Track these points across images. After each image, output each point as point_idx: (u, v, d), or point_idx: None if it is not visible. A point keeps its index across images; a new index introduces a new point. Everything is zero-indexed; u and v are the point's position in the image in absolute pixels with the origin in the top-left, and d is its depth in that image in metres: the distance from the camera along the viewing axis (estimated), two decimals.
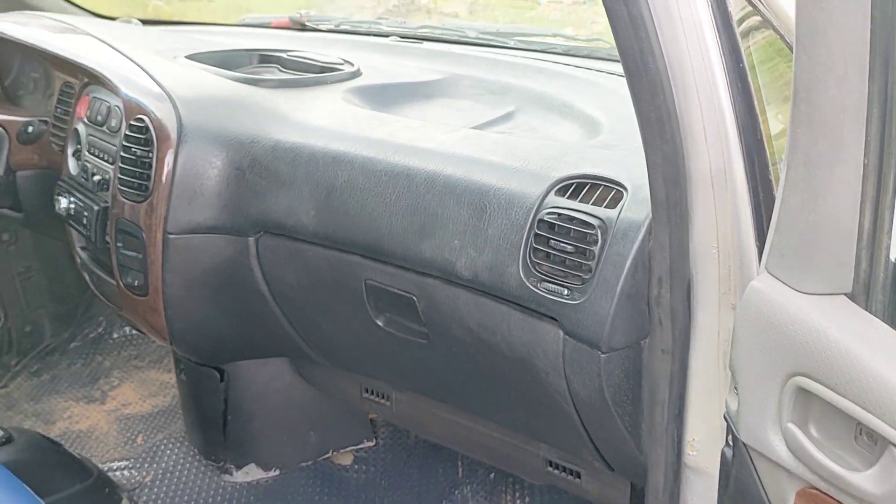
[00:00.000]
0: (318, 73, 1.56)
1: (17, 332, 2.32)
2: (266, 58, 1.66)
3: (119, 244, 1.36)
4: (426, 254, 1.10)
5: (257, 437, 1.70)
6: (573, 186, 0.98)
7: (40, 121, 1.67)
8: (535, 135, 1.26)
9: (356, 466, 1.76)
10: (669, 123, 0.78)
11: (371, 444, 1.79)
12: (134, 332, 2.39)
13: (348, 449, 1.78)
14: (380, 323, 1.24)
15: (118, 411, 2.09)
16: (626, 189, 0.94)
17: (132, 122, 1.32)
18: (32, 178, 1.68)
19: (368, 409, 1.60)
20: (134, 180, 1.31)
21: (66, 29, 1.70)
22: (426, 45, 1.83)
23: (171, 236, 1.31)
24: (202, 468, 1.79)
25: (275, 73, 1.61)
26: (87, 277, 1.60)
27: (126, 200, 1.33)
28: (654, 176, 0.81)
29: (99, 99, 1.46)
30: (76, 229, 1.48)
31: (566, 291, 0.95)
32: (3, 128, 1.66)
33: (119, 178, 1.34)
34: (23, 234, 2.27)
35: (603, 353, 0.92)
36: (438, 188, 1.09)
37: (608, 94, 1.27)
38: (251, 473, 1.72)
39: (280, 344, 1.50)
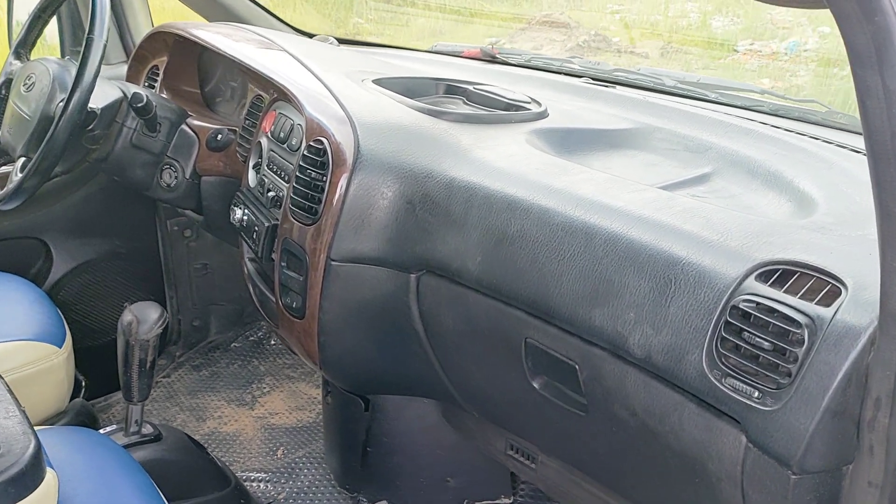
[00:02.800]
0: (503, 110, 1.50)
1: (186, 325, 2.42)
2: (452, 88, 1.62)
3: (283, 263, 1.36)
4: (596, 322, 1.00)
5: (394, 474, 1.65)
6: (778, 273, 0.85)
7: (229, 130, 1.71)
8: (733, 203, 1.12)
9: None
10: None
11: (508, 500, 1.69)
12: None
13: (484, 502, 1.69)
14: (535, 385, 1.15)
15: (265, 419, 2.11)
16: (844, 286, 0.80)
17: (311, 143, 1.30)
18: (215, 184, 1.73)
19: (512, 467, 1.51)
20: (305, 202, 1.29)
21: (265, 44, 1.74)
22: (619, 89, 1.73)
23: (333, 263, 1.28)
24: (335, 494, 1.76)
25: (458, 106, 1.56)
26: (250, 288, 1.62)
27: (295, 221, 1.32)
28: (890, 281, 0.68)
29: (284, 115, 1.46)
30: (246, 241, 1.49)
31: (757, 394, 0.82)
32: (196, 133, 1.72)
33: (291, 197, 1.33)
34: (204, 233, 2.37)
35: (794, 473, 0.79)
36: (619, 253, 0.98)
37: (826, 167, 1.12)
38: None
39: (428, 385, 1.44)
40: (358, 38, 2.39)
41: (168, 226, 2.33)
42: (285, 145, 1.42)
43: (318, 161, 1.29)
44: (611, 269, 0.98)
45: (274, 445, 1.98)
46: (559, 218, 1.07)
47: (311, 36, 2.30)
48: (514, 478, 1.71)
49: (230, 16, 2.23)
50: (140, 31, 2.16)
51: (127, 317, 1.47)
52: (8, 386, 1.13)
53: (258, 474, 1.85)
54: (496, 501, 1.69)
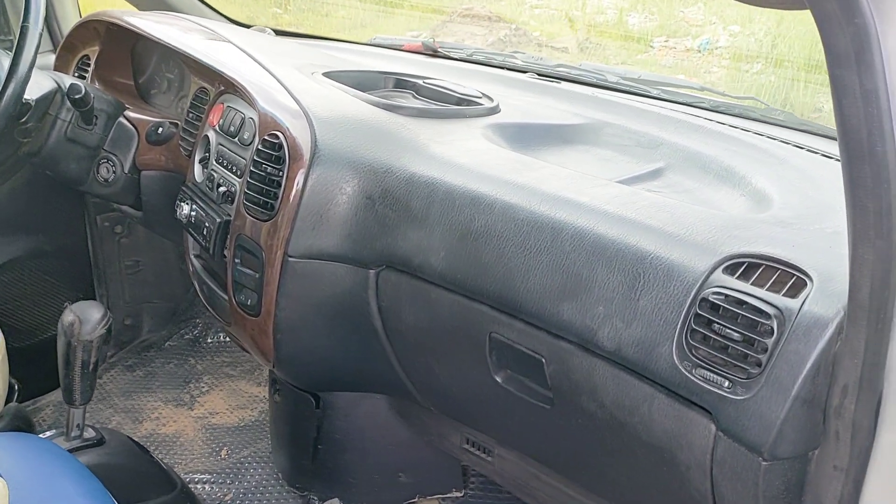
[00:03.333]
0: (454, 105, 1.50)
1: (117, 324, 2.34)
2: (401, 83, 1.61)
3: (236, 260, 1.33)
4: (565, 316, 1.01)
5: (346, 471, 1.64)
6: (744, 266, 0.88)
7: (171, 123, 1.66)
8: (689, 197, 1.16)
9: None
10: (889, 217, 0.67)
11: (459, 494, 1.70)
12: (227, 339, 2.38)
13: (436, 496, 1.69)
14: (498, 379, 1.16)
15: (205, 419, 2.06)
16: (809, 278, 0.83)
17: (266, 138, 1.28)
18: (156, 179, 1.68)
19: (467, 461, 1.51)
20: (260, 197, 1.27)
21: (208, 34, 1.70)
22: (564, 85, 1.75)
23: (290, 259, 1.26)
24: (284, 493, 1.73)
25: (409, 100, 1.55)
26: (196, 286, 1.58)
27: (249, 216, 1.29)
28: (859, 273, 0.71)
29: (233, 109, 1.43)
30: (195, 237, 1.45)
31: (727, 384, 0.84)
32: (135, 126, 1.66)
33: (245, 192, 1.30)
34: (136, 228, 2.30)
35: (765, 460, 0.82)
36: (587, 248, 1.00)
37: (778, 163, 1.16)
38: None
39: (384, 381, 1.43)
40: (291, 28, 2.35)
41: (98, 222, 2.24)
42: (236, 139, 1.38)
43: (274, 156, 1.26)
44: (579, 263, 1.00)
45: (217, 446, 1.93)
46: (525, 214, 1.07)
47: (247, 27, 2.25)
48: (464, 472, 1.72)
49: (162, 4, 2.16)
50: (68, 19, 2.07)
51: (68, 317, 1.41)
52: None
53: (203, 476, 1.81)
54: (448, 495, 1.70)
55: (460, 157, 1.23)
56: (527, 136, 1.38)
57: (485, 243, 1.10)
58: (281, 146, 1.25)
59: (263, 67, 1.46)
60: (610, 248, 0.98)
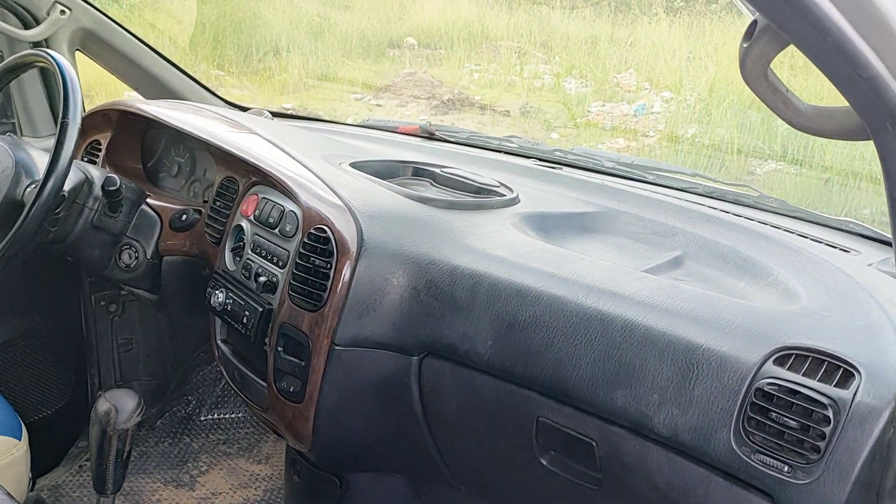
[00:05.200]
0: (474, 193, 1.58)
1: None
2: (419, 171, 1.69)
3: (279, 348, 1.37)
4: (618, 403, 1.09)
5: None
6: (793, 357, 0.97)
7: (194, 210, 1.70)
8: (711, 287, 1.25)
9: None
10: None
11: None
12: (223, 416, 2.39)
13: None
14: (544, 461, 1.22)
15: (208, 500, 2.06)
16: (856, 369, 0.93)
17: (312, 231, 1.34)
18: (177, 264, 1.71)
19: None
20: (308, 289, 1.32)
21: (233, 125, 1.76)
22: (565, 170, 1.86)
23: (337, 348, 1.31)
24: None
25: (435, 191, 1.63)
26: (223, 371, 1.61)
27: (295, 306, 1.34)
28: None
29: (270, 200, 1.48)
30: (232, 325, 1.48)
31: (787, 468, 0.93)
32: (157, 213, 1.70)
33: (291, 283, 1.35)
34: (130, 307, 2.30)
35: None
36: (637, 339, 1.08)
37: (794, 254, 1.27)
38: None
39: (414, 461, 1.48)
40: (243, 102, 2.41)
41: (93, 301, 2.25)
42: (276, 231, 1.44)
43: (321, 249, 1.32)
44: (630, 353, 1.08)
45: None
46: (572, 306, 1.15)
47: (245, 109, 2.32)
48: None
49: (167, 92, 2.21)
50: None
51: (103, 406, 1.42)
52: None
53: None
54: None
55: (498, 250, 1.31)
56: (549, 226, 1.47)
57: (533, 333, 1.18)
58: (328, 240, 1.31)
59: (295, 159, 1.53)
60: (661, 339, 1.06)
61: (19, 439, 1.49)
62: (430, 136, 2.18)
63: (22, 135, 2.13)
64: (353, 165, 1.59)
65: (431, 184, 1.67)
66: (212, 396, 2.39)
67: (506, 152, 2.04)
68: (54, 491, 2.06)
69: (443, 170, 1.68)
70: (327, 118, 2.59)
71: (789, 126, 0.78)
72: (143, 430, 2.34)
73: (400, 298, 1.30)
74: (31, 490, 1.63)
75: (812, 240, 1.38)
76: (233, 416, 2.36)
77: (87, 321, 2.27)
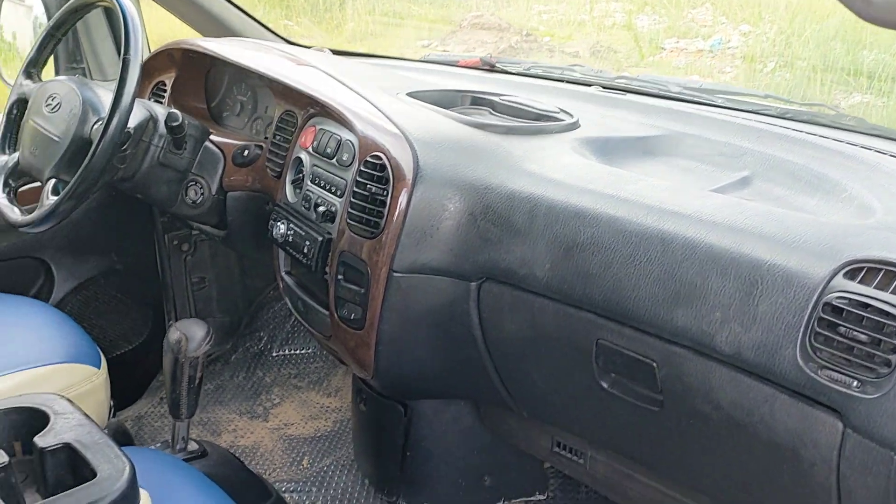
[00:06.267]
0: (534, 121, 1.55)
1: None
2: (477, 100, 1.67)
3: (339, 277, 1.38)
4: (679, 322, 1.06)
5: (433, 476, 1.69)
6: (864, 271, 0.93)
7: (256, 145, 1.72)
8: (781, 205, 1.21)
9: None
10: None
11: (543, 497, 1.75)
12: (293, 351, 2.45)
13: (520, 499, 1.74)
14: (604, 384, 1.21)
15: (281, 430, 2.12)
16: None
17: (368, 159, 1.34)
18: (241, 199, 1.74)
19: (555, 464, 1.57)
20: (365, 216, 1.33)
21: (294, 60, 1.76)
22: (629, 97, 1.80)
23: (395, 274, 1.31)
24: (371, 500, 1.79)
25: (487, 117, 1.61)
26: (288, 302, 1.64)
27: (354, 235, 1.35)
28: None
29: (327, 131, 1.49)
30: (294, 256, 1.51)
31: (856, 383, 0.89)
32: (220, 149, 1.72)
33: (349, 212, 1.36)
34: (201, 246, 2.36)
35: None
36: (699, 257, 1.05)
37: (869, 169, 1.21)
38: None
39: (476, 388, 1.49)
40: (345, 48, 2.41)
41: (167, 240, 2.31)
42: (333, 160, 1.44)
43: (377, 176, 1.32)
44: (692, 272, 1.05)
45: (297, 455, 1.99)
46: (631, 226, 1.13)
47: (306, 48, 2.31)
48: (544, 475, 1.77)
49: (227, 30, 2.23)
50: None
51: (174, 335, 1.47)
52: (81, 409, 1.13)
53: (288, 484, 1.86)
54: (531, 498, 1.75)
55: (556, 173, 1.28)
56: (611, 150, 1.44)
57: (592, 255, 1.16)
58: (384, 167, 1.31)
59: (353, 90, 1.52)
60: (724, 256, 1.03)
61: (98, 368, 1.56)
62: (491, 68, 2.15)
63: (92, 78, 2.18)
64: (411, 95, 1.57)
65: (490, 112, 1.65)
66: (282, 332, 2.45)
67: (568, 81, 1.99)
68: (137, 421, 2.15)
69: (502, 98, 1.65)
70: (390, 55, 2.57)
71: (858, 17, 0.73)
72: (218, 365, 2.42)
73: (457, 224, 1.29)
74: (113, 418, 1.71)
75: (891, 156, 1.31)
76: (302, 351, 2.42)
77: (162, 260, 2.34)
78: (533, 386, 1.37)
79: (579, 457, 1.47)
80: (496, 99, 1.64)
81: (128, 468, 1.01)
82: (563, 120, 1.51)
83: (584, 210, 1.18)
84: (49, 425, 1.08)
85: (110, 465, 1.01)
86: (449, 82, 1.91)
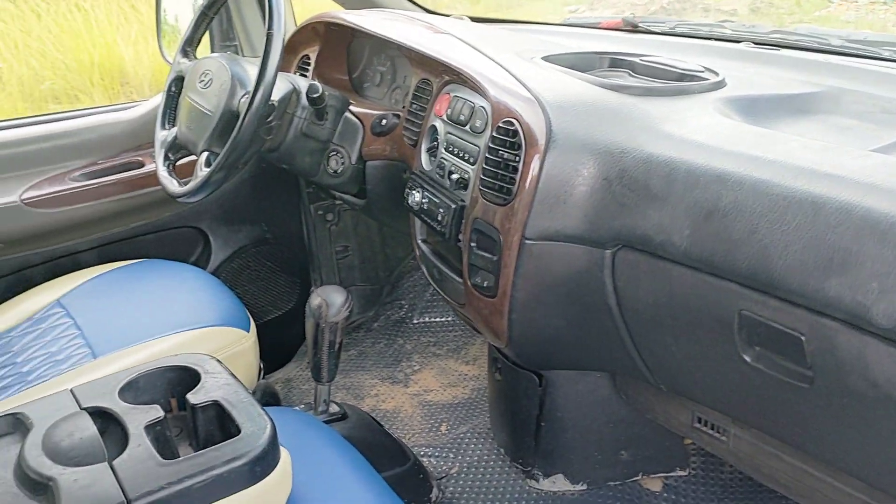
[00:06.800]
0: (675, 81, 1.48)
1: None
2: (617, 62, 1.61)
3: (472, 244, 1.38)
4: (831, 293, 0.98)
5: (569, 448, 1.67)
6: None
7: (393, 115, 1.74)
8: None
9: (665, 494, 1.67)
10: None
11: (684, 473, 1.69)
12: (433, 319, 2.48)
13: (659, 475, 1.70)
14: (747, 357, 1.14)
15: (420, 396, 2.16)
16: None
17: (500, 125, 1.32)
18: (379, 168, 1.77)
19: (696, 440, 1.51)
20: (497, 183, 1.31)
21: (429, 27, 1.76)
22: (783, 52, 1.68)
23: (527, 242, 1.30)
24: (506, 468, 1.79)
25: (625, 79, 1.55)
26: (424, 269, 1.66)
27: (485, 201, 1.34)
28: None
29: (461, 98, 1.48)
30: (428, 224, 1.52)
31: None
32: (359, 119, 1.76)
33: (481, 178, 1.35)
34: (344, 216, 2.44)
35: None
36: (854, 222, 0.96)
37: None
38: (558, 483, 1.69)
39: (612, 359, 1.45)
40: (488, 16, 2.39)
41: (312, 210, 2.40)
42: (467, 128, 1.44)
43: (509, 142, 1.30)
44: (847, 238, 0.97)
45: (435, 421, 2.03)
46: (778, 189, 1.05)
47: (445, 16, 2.31)
48: (685, 451, 1.71)
49: (367, 2, 2.26)
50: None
51: (315, 300, 1.52)
52: (228, 370, 1.19)
53: (426, 449, 1.90)
54: (671, 474, 1.69)
55: (697, 135, 1.21)
56: (759, 109, 1.35)
57: (734, 220, 1.09)
58: (516, 132, 1.29)
59: (487, 56, 1.51)
60: (883, 221, 0.94)
61: (248, 332, 1.64)
62: (634, 29, 2.07)
63: (243, 55, 2.28)
64: (546, 59, 1.54)
65: (629, 74, 1.58)
66: (422, 301, 2.50)
67: (717, 39, 1.88)
68: (286, 384, 2.26)
69: (642, 59, 1.58)
70: (530, 20, 2.53)
71: None
72: (361, 332, 2.50)
73: (591, 190, 1.25)
74: (263, 379, 1.80)
75: None
76: (442, 319, 2.45)
77: (308, 230, 2.43)
78: (671, 358, 1.32)
79: (721, 434, 1.41)
80: (636, 60, 1.58)
81: (269, 427, 1.06)
82: (707, 79, 1.43)
83: (727, 173, 1.11)
84: (200, 384, 1.15)
85: (253, 423, 1.07)
86: (588, 45, 1.86)
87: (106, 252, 2.12)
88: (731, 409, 1.34)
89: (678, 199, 1.16)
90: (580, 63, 1.58)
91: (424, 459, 1.87)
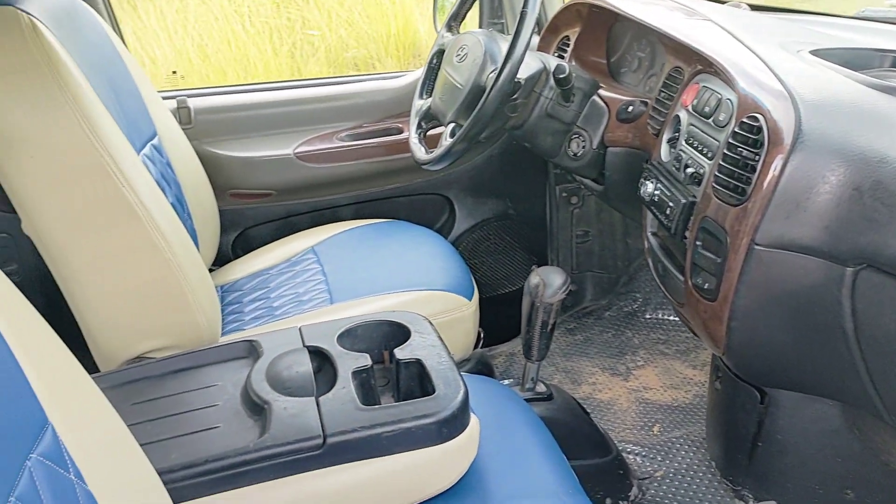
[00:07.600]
0: None
1: None
2: None
3: (698, 243, 1.31)
4: None
5: (785, 475, 1.55)
6: None
7: (641, 102, 1.69)
8: None
9: None
10: None
11: None
12: (665, 317, 2.40)
13: None
14: None
15: (639, 392, 2.11)
16: None
17: (744, 120, 1.24)
18: (620, 155, 1.73)
19: None
20: (732, 181, 1.24)
21: (689, 13, 1.69)
22: None
23: (757, 247, 1.21)
24: (714, 483, 1.70)
25: None
26: (650, 263, 1.61)
27: (717, 200, 1.27)
28: None
29: (709, 89, 1.41)
30: (656, 216, 1.47)
31: None
32: (606, 104, 1.73)
33: (716, 175, 1.28)
34: (588, 200, 2.42)
35: None
36: None
37: None
38: None
39: (843, 388, 1.31)
40: (773, 4, 2.22)
41: (557, 192, 2.41)
42: (710, 120, 1.36)
43: (751, 139, 1.22)
44: None
45: (649, 421, 1.97)
46: None
47: (722, 2, 2.19)
48: None
49: None
50: (553, 3, 2.23)
51: (534, 279, 1.54)
52: (438, 333, 1.25)
53: (634, 447, 1.85)
54: None
55: None
56: None
57: None
58: (760, 129, 1.20)
59: (745, 46, 1.41)
60: None
61: (469, 300, 1.70)
62: None
63: (508, 33, 2.34)
64: (815, 52, 1.41)
65: None
66: (657, 296, 2.42)
67: None
68: (508, 357, 2.31)
69: None
70: (817, 11, 2.32)
71: None
72: (591, 318, 2.48)
73: (836, 199, 1.14)
74: (478, 348, 1.86)
75: None
76: (675, 319, 2.36)
77: (551, 211, 2.46)
78: None
79: None
80: None
81: (462, 392, 1.11)
82: None
83: None
84: (408, 341, 1.22)
85: (448, 386, 1.12)
86: (875, 41, 1.67)
87: (361, 209, 2.30)
88: None
89: None
90: (855, 60, 1.42)
91: (630, 457, 1.82)
